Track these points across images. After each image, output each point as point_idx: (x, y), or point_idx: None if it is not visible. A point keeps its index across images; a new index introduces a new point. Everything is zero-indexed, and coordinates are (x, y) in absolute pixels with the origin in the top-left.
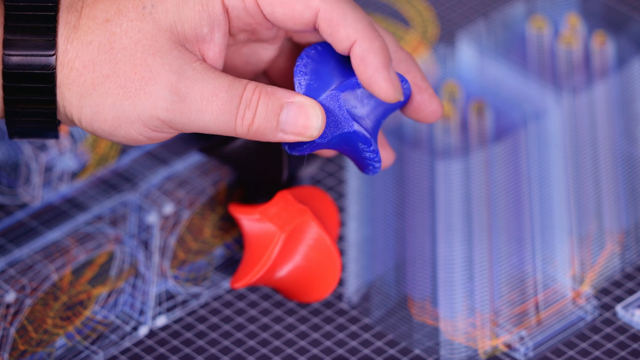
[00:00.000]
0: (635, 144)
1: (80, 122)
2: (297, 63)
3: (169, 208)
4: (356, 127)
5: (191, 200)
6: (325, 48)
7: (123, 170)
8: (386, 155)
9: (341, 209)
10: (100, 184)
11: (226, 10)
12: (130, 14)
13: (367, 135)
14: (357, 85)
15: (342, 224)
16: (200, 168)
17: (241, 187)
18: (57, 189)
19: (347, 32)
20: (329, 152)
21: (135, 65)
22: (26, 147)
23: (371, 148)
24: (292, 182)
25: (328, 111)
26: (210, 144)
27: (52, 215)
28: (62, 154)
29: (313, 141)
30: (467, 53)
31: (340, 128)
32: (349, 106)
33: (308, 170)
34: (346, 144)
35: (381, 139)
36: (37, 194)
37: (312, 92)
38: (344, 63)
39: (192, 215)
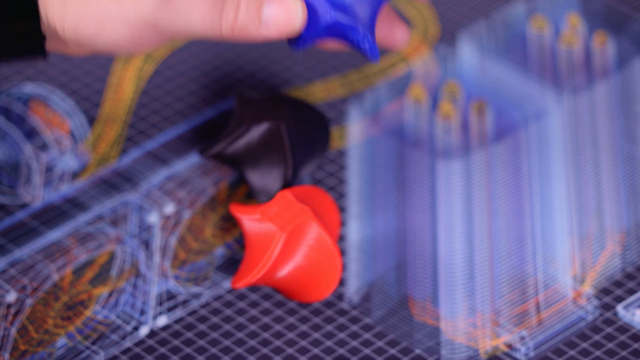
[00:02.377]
0: (636, 143)
1: (64, 31)
2: None
3: (169, 208)
4: (337, 16)
5: (192, 200)
6: None
7: (124, 170)
8: (399, 33)
9: (342, 209)
10: (101, 183)
11: None
12: None
13: (352, 23)
14: None
15: (342, 223)
16: (201, 168)
17: (242, 187)
18: (58, 189)
19: None
20: (333, 45)
21: None
22: (27, 147)
23: (360, 36)
24: (293, 181)
25: (308, 4)
26: (211, 145)
27: (53, 215)
28: (62, 154)
29: (302, 36)
30: (468, 53)
31: (323, 19)
32: None
33: (308, 170)
34: (337, 34)
35: (390, 16)
36: (37, 194)
37: None
38: None
39: (193, 215)
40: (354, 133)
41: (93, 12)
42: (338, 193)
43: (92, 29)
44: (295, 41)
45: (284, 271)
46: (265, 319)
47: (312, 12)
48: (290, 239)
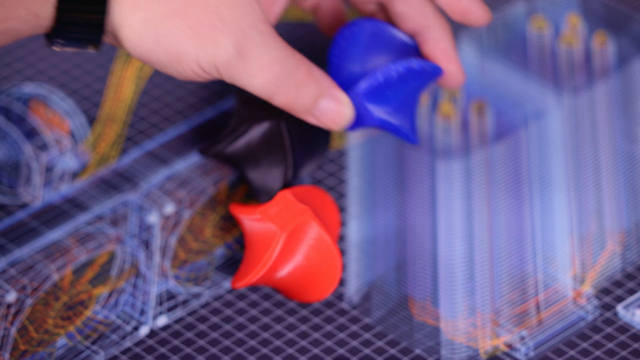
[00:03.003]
0: (636, 143)
1: (129, 44)
2: (333, 47)
3: (169, 208)
4: (378, 115)
5: (192, 200)
6: (358, 29)
7: (124, 170)
8: (455, 71)
9: (342, 209)
10: (101, 183)
11: None
12: None
13: (394, 123)
14: (379, 78)
15: (342, 223)
16: (201, 168)
17: (242, 187)
18: (58, 189)
19: (422, 13)
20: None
21: (208, 12)
22: (27, 147)
23: (401, 133)
24: (293, 181)
25: (355, 106)
26: (211, 145)
27: (53, 215)
28: (62, 154)
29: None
30: (468, 53)
31: (363, 122)
32: (371, 101)
33: (308, 170)
34: (381, 128)
35: (448, 53)
36: (37, 194)
37: (341, 79)
38: (373, 48)
39: (193, 215)
40: (354, 133)
41: (174, 44)
42: (338, 193)
43: (168, 58)
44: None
45: (284, 271)
46: (265, 319)
47: (358, 114)
48: (290, 239)
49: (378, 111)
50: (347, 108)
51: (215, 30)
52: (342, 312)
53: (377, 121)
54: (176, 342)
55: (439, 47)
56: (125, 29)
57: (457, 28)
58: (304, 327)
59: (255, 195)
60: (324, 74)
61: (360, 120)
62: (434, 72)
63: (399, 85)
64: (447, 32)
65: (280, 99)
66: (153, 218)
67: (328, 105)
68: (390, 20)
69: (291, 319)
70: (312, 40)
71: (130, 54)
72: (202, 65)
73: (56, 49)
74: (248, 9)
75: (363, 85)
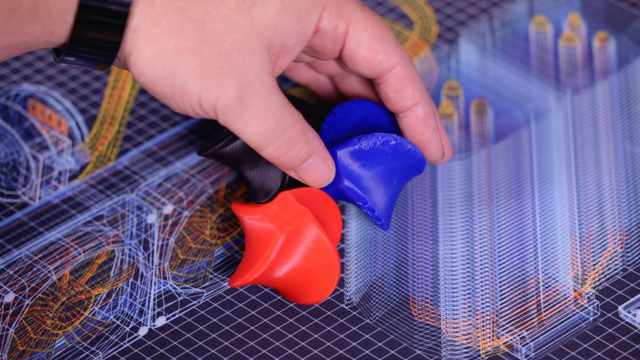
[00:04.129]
0: (638, 143)
1: (137, 72)
2: (328, 115)
3: (168, 208)
4: (347, 183)
5: (191, 200)
6: (356, 106)
7: (122, 170)
8: (446, 149)
9: (342, 209)
10: (100, 183)
11: (316, 31)
12: (230, 1)
13: (360, 193)
14: (358, 145)
15: (343, 224)
16: (200, 168)
17: (241, 187)
18: (56, 189)
19: (414, 93)
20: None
21: (220, 55)
22: (25, 147)
23: (366, 205)
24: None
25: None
26: (209, 145)
27: (51, 215)
28: (61, 154)
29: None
30: (469, 52)
31: (334, 183)
32: (346, 164)
33: None
34: (345, 198)
35: (440, 134)
36: (36, 194)
37: (327, 143)
38: (365, 126)
39: (192, 215)
40: None
41: (181, 80)
42: None
43: (171, 92)
44: None
45: (282, 272)
46: (265, 320)
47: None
48: (289, 240)
49: (349, 175)
50: (329, 169)
51: (222, 73)
52: (342, 313)
53: (345, 187)
54: (175, 343)
55: (419, 126)
56: (136, 57)
57: (458, 27)
58: (304, 328)
59: (253, 196)
60: (316, 135)
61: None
62: (416, 158)
63: (377, 158)
64: (429, 110)
65: (270, 152)
66: (152, 218)
67: (315, 163)
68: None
69: (291, 320)
70: None
71: (135, 79)
72: (202, 104)
73: (63, 65)
74: (257, 58)
75: (342, 147)
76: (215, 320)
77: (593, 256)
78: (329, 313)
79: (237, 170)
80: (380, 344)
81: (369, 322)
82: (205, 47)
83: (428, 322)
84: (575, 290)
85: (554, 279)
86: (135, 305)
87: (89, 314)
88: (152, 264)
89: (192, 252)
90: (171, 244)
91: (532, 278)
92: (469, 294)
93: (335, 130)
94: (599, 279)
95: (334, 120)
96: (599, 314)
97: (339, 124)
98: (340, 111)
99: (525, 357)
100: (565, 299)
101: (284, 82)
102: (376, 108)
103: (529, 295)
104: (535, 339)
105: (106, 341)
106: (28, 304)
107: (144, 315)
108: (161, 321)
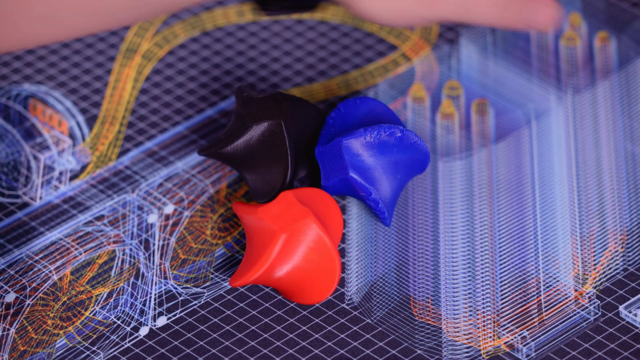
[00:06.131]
0: (638, 142)
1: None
2: (333, 110)
3: (169, 208)
4: (352, 173)
5: (192, 200)
6: (361, 102)
7: (123, 170)
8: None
9: (342, 209)
10: (100, 183)
11: None
12: None
13: (365, 183)
14: (364, 135)
15: (343, 224)
16: (201, 168)
17: (242, 187)
18: (57, 189)
19: None
20: None
21: None
22: (26, 147)
23: (370, 197)
24: (292, 181)
25: (331, 156)
26: (210, 145)
27: (52, 215)
28: (61, 154)
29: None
30: (470, 51)
31: (339, 173)
32: (351, 154)
33: (305, 171)
34: (350, 189)
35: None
36: (36, 194)
37: (329, 137)
38: (364, 121)
39: (193, 215)
40: None
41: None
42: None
43: (391, 15)
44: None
45: (282, 272)
46: (266, 320)
47: (332, 164)
48: (290, 240)
49: (355, 165)
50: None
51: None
52: (342, 313)
53: (350, 177)
54: (176, 343)
55: None
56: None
57: (459, 27)
58: (304, 328)
59: (253, 196)
60: None
61: (336, 170)
62: (420, 151)
63: (382, 149)
64: None
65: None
66: (153, 218)
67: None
68: None
69: (292, 320)
70: (312, 36)
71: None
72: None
73: (269, 14)
74: None
75: (347, 137)
76: (216, 320)
77: (594, 256)
78: (330, 313)
79: (237, 170)
80: (381, 344)
81: (370, 321)
82: None
83: (429, 322)
84: (576, 290)
85: (554, 278)
86: (136, 305)
87: (89, 313)
88: (153, 264)
89: (192, 252)
90: (172, 243)
91: (532, 278)
92: (469, 293)
93: (340, 125)
94: (600, 279)
95: (339, 115)
96: (600, 313)
97: (344, 119)
98: (344, 107)
99: (526, 356)
100: (566, 298)
101: (284, 82)
102: (380, 105)
103: (529, 295)
104: (536, 338)
105: (107, 341)
106: (29, 304)
107: (145, 315)
108: (162, 321)
